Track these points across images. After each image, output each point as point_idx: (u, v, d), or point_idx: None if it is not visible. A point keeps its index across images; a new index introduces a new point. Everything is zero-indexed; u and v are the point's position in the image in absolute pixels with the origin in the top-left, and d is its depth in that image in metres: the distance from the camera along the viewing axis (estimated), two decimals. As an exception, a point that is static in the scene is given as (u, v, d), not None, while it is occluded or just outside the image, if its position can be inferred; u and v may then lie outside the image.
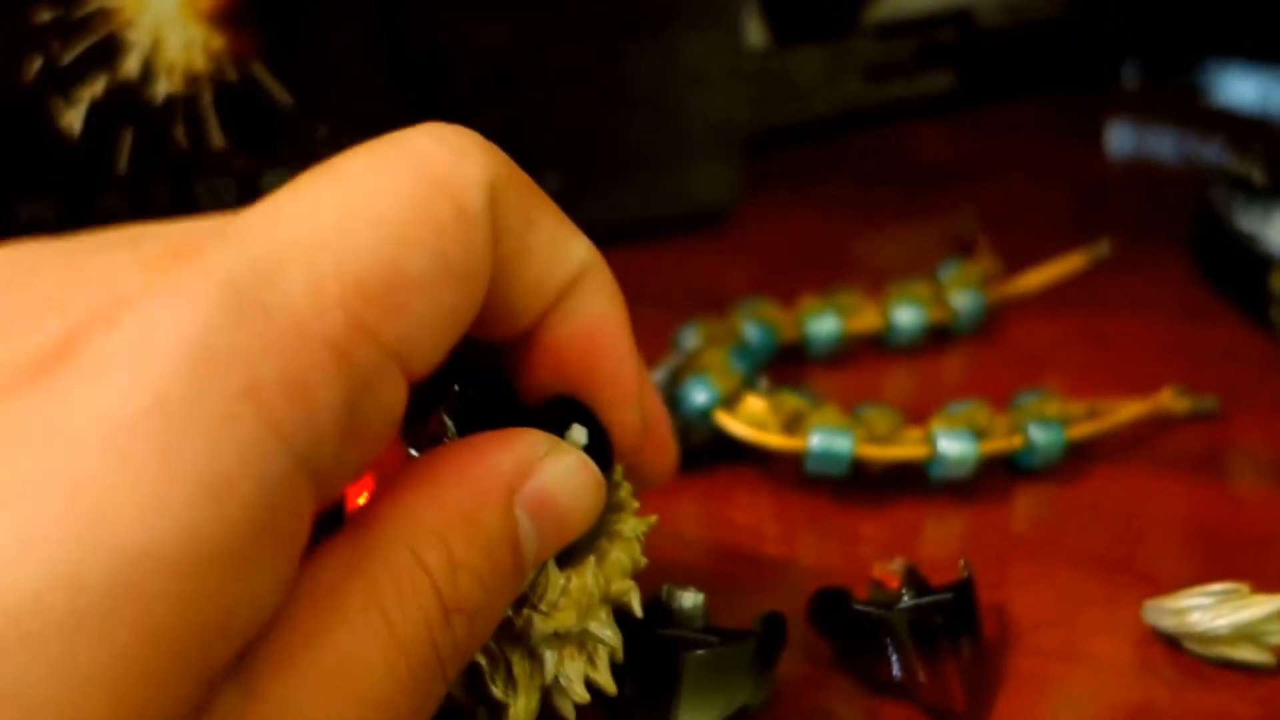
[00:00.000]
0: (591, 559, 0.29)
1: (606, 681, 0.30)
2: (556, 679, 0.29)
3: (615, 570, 0.30)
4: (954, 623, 0.35)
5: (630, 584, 0.30)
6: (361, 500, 0.27)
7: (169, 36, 0.44)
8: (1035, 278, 0.48)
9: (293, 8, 0.45)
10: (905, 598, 0.35)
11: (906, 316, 0.46)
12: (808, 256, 0.52)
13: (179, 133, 0.45)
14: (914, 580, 0.35)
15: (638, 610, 0.31)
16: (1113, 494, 0.41)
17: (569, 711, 0.29)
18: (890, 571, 0.35)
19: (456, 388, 0.29)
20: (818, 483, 0.41)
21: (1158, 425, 0.43)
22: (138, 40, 0.44)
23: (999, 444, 0.41)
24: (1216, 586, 0.35)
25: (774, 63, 0.57)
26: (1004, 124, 0.62)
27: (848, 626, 0.35)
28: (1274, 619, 0.35)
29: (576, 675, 0.29)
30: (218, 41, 0.44)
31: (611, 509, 0.30)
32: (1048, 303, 0.48)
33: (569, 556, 0.29)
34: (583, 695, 0.29)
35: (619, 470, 0.31)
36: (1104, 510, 0.40)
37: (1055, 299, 0.48)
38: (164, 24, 0.44)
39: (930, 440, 0.40)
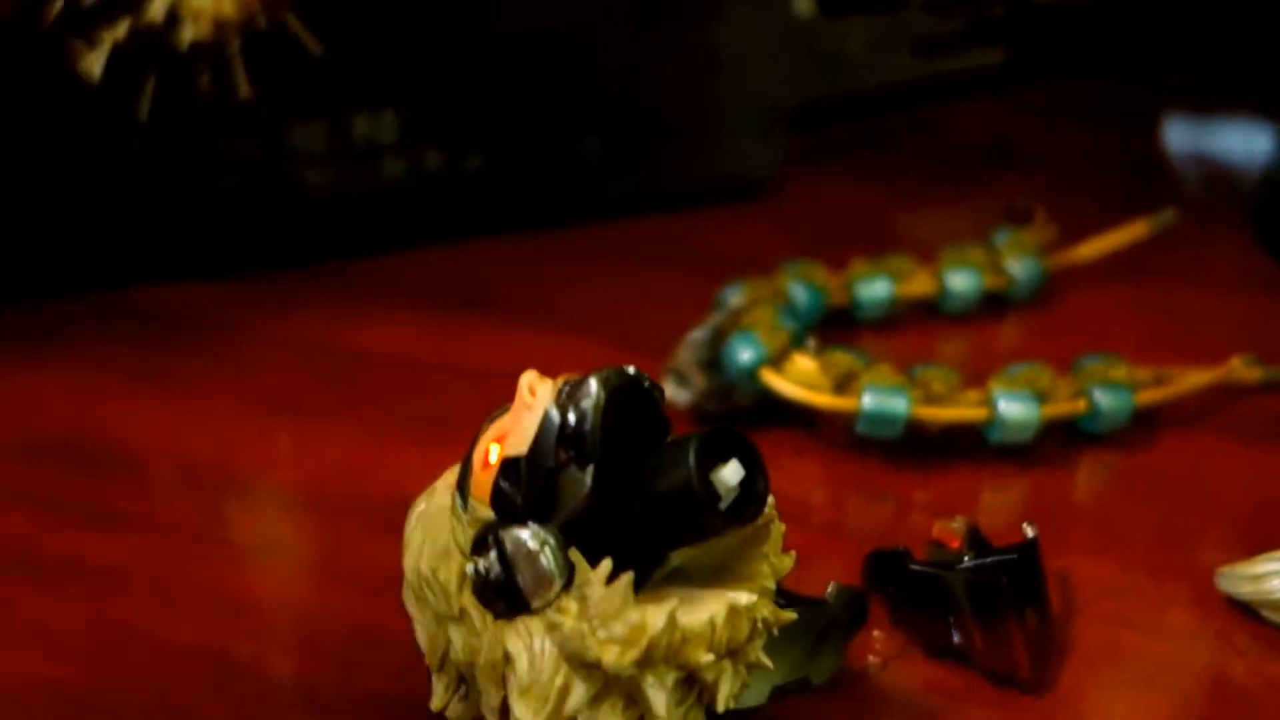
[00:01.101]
0: (676, 602, 0.26)
1: None
2: None
3: (698, 630, 0.26)
4: (1018, 585, 0.32)
5: (711, 662, 0.26)
6: None
7: (196, -19, 0.42)
8: (1096, 246, 0.46)
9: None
10: (966, 558, 0.33)
11: (961, 281, 0.44)
12: (851, 230, 0.50)
13: (204, 81, 0.43)
14: (976, 540, 0.33)
15: (719, 703, 0.27)
16: (1180, 463, 0.39)
17: None
18: (951, 531, 0.33)
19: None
20: (868, 447, 0.39)
21: (1226, 395, 0.41)
22: (163, -16, 0.42)
23: (1062, 408, 0.38)
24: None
25: (821, 34, 0.55)
26: (1056, 104, 0.60)
27: (906, 587, 0.33)
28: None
29: None
30: (244, -11, 0.43)
31: (744, 557, 0.27)
32: (1107, 273, 0.46)
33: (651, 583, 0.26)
34: None
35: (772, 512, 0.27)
36: (1172, 479, 0.38)
37: (1115, 269, 0.46)
38: (192, -33, 0.42)
39: (990, 402, 0.38)
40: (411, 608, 0.28)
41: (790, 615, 0.28)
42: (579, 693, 0.26)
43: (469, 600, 0.27)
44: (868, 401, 0.38)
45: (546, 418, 0.26)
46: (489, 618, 0.27)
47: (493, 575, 0.27)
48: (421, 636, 0.29)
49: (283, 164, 0.45)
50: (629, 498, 0.26)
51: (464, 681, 0.28)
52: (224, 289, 0.45)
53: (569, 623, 0.25)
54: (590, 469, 0.26)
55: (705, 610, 0.26)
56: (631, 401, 0.26)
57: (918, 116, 0.58)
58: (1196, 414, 0.40)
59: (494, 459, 0.27)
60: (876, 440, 0.38)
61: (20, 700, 0.30)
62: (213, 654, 0.32)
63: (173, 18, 0.42)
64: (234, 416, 0.40)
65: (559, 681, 0.26)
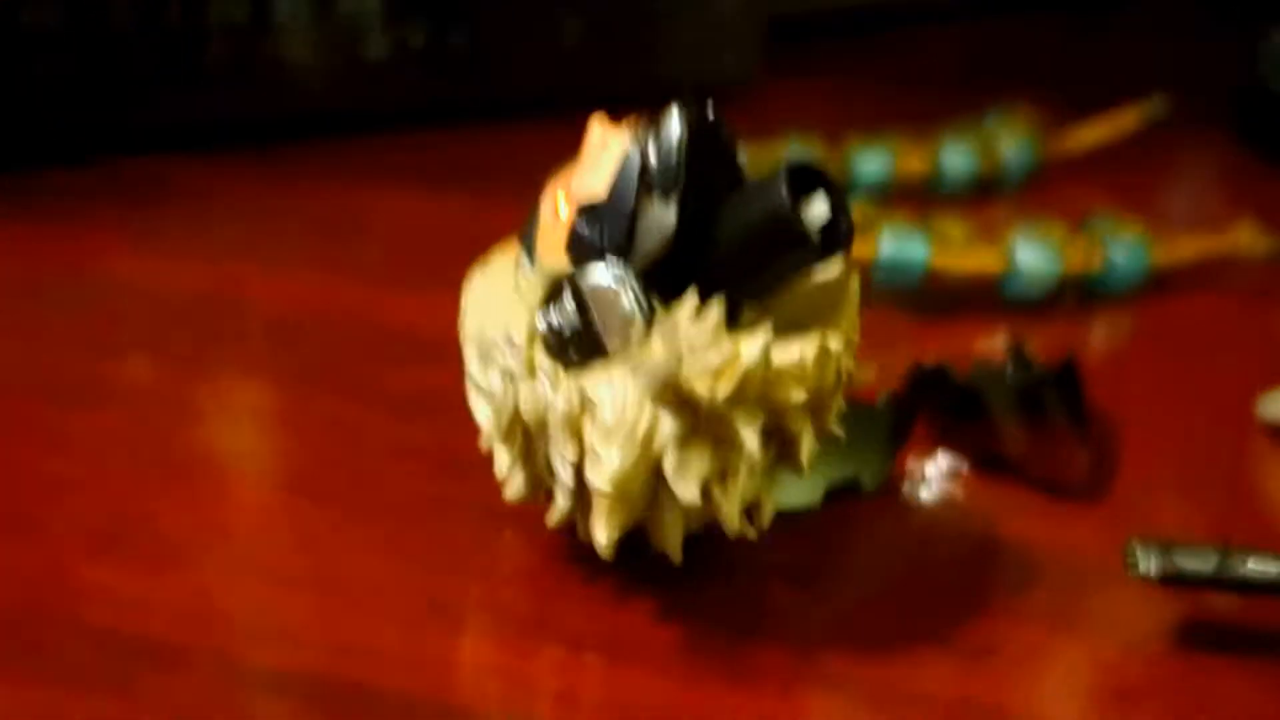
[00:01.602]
0: (769, 336, 0.24)
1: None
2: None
3: (790, 367, 0.25)
4: (1066, 395, 0.32)
5: (802, 403, 0.25)
6: None
7: None
8: (1087, 134, 0.46)
9: None
10: (1011, 370, 0.32)
11: (957, 160, 0.44)
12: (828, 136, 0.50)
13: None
14: (1020, 356, 0.33)
15: (802, 456, 0.26)
16: (1196, 321, 0.39)
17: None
18: (991, 346, 0.33)
19: None
20: (882, 299, 0.38)
21: (1230, 264, 0.41)
22: None
23: (1080, 261, 0.38)
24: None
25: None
26: (1033, 31, 0.60)
27: (951, 401, 0.32)
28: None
29: (690, 478, 0.25)
30: None
31: (823, 310, 0.26)
32: (1098, 164, 0.46)
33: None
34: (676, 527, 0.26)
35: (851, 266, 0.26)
36: (1190, 335, 0.38)
37: (1105, 161, 0.46)
38: None
39: (1008, 253, 0.37)
40: (475, 375, 0.27)
41: (869, 373, 0.27)
42: (667, 429, 0.24)
43: (540, 355, 0.26)
44: (886, 248, 0.37)
45: (627, 158, 0.25)
46: (561, 371, 0.25)
47: (567, 323, 0.25)
48: (483, 409, 0.27)
49: (267, 34, 0.44)
50: (711, 236, 0.25)
51: (529, 460, 0.27)
52: (209, 160, 0.43)
53: (658, 354, 0.24)
54: (674, 204, 0.25)
55: (796, 350, 0.25)
56: (710, 141, 0.25)
57: (899, 37, 0.58)
58: (1207, 278, 0.40)
59: (563, 212, 0.26)
60: (892, 291, 0.37)
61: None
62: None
63: None
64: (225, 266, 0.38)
65: (645, 420, 0.24)
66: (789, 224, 0.24)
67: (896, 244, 0.37)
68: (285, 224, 0.41)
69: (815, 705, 0.26)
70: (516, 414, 0.26)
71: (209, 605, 0.26)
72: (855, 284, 0.26)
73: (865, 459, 0.30)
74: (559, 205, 0.26)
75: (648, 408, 0.24)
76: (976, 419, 0.32)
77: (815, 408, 0.25)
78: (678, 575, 0.27)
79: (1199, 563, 0.26)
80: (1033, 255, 0.37)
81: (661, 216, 0.25)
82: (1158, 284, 0.39)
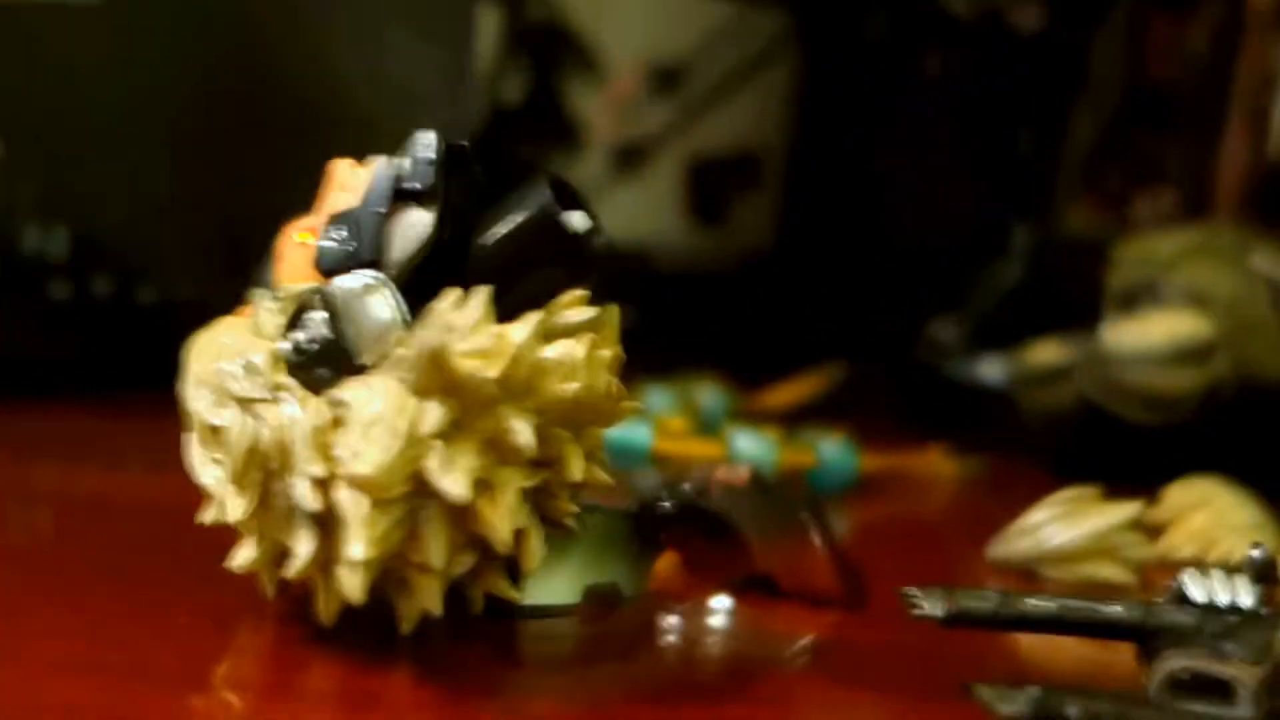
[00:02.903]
0: (536, 320, 0.23)
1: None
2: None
3: (559, 359, 0.23)
4: (817, 512, 0.31)
5: (572, 392, 0.23)
6: None
7: None
8: (781, 394, 0.47)
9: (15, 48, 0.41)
10: (755, 495, 0.31)
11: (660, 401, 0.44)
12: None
13: None
14: (761, 481, 0.32)
15: (573, 472, 0.24)
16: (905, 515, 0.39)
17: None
18: (736, 472, 0.32)
19: None
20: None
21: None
22: None
23: (794, 455, 0.38)
24: (1064, 493, 0.33)
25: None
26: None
27: (699, 523, 0.31)
28: (1125, 529, 0.33)
29: (458, 472, 0.23)
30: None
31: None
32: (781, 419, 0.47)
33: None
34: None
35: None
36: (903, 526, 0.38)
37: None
38: None
39: (728, 443, 0.38)
40: (205, 416, 0.24)
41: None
42: (434, 417, 0.22)
43: (285, 379, 0.24)
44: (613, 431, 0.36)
45: (379, 172, 0.24)
46: (308, 390, 0.23)
47: (318, 337, 0.24)
48: (210, 469, 0.24)
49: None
50: (468, 248, 0.24)
51: (265, 508, 0.24)
52: None
53: (423, 334, 0.22)
54: (433, 209, 0.24)
55: (566, 345, 0.24)
56: (462, 162, 0.25)
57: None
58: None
59: (303, 239, 0.25)
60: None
61: None
62: None
63: None
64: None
65: (409, 411, 0.22)
66: (555, 222, 0.24)
67: (623, 429, 0.36)
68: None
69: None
70: (255, 449, 0.23)
71: None
72: (613, 315, 0.25)
73: (624, 566, 0.29)
74: (295, 236, 0.25)
75: (411, 401, 0.22)
76: (724, 541, 0.30)
77: (586, 419, 0.24)
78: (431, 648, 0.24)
79: (981, 602, 0.25)
80: (750, 444, 0.37)
81: (418, 220, 0.24)
82: (864, 489, 0.40)
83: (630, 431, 0.36)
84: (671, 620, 0.29)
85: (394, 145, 0.47)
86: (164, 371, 0.42)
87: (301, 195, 0.27)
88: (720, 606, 0.29)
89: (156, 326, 0.44)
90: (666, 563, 0.30)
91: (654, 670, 0.26)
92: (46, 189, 0.42)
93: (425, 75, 0.49)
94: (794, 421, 0.43)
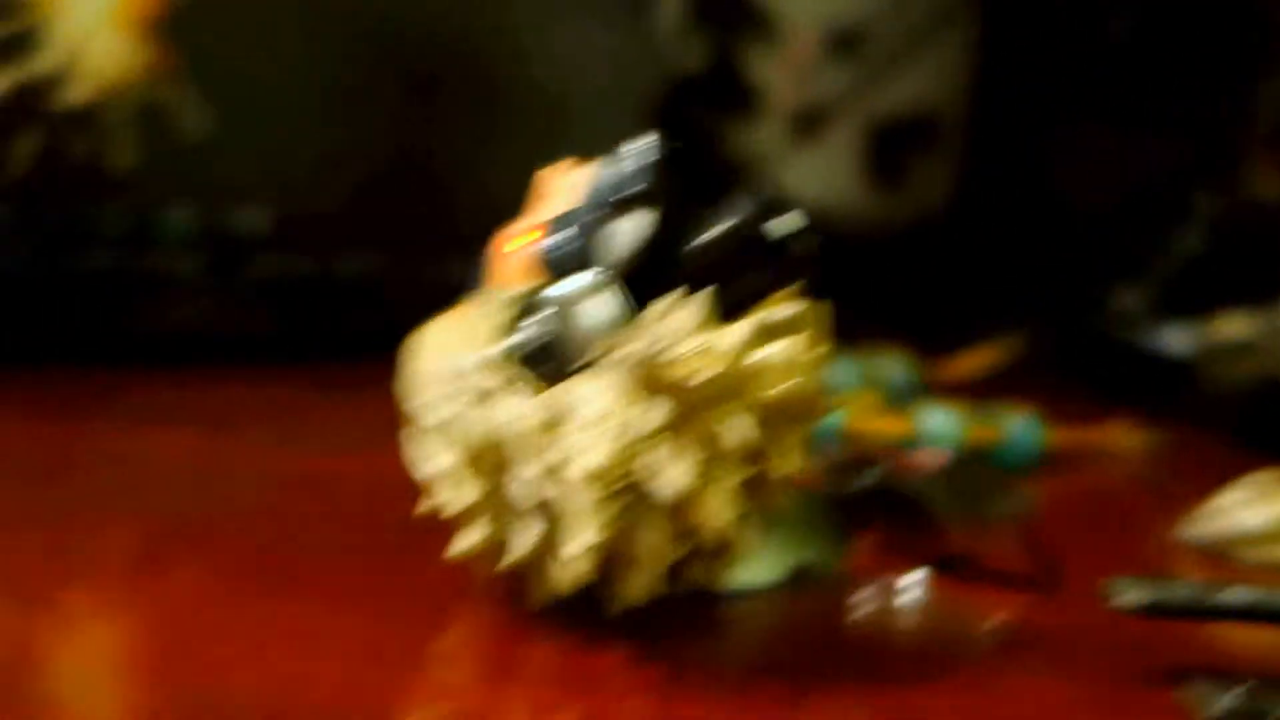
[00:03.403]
0: (753, 322, 0.24)
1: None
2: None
3: (774, 361, 0.24)
4: (1010, 498, 0.32)
5: (786, 391, 0.24)
6: None
7: (93, 40, 0.42)
8: (963, 364, 0.48)
9: (225, 26, 0.43)
10: (951, 478, 0.32)
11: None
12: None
13: (83, 146, 0.42)
14: (955, 465, 0.33)
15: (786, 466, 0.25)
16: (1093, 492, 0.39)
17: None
18: (929, 455, 0.33)
19: None
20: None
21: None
22: (57, 38, 0.41)
23: (981, 432, 0.39)
24: (1259, 474, 0.34)
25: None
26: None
27: (894, 507, 0.32)
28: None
29: (672, 472, 0.24)
30: (143, 54, 0.42)
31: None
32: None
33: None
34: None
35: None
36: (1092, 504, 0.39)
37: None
38: (90, 26, 0.41)
39: (916, 420, 0.38)
40: (429, 411, 0.26)
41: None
42: (653, 416, 0.24)
43: (510, 375, 0.25)
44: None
45: (601, 171, 0.26)
46: (538, 383, 0.25)
47: (546, 332, 0.25)
48: (440, 455, 0.26)
49: (151, 246, 0.43)
50: (681, 245, 0.25)
51: (492, 495, 0.25)
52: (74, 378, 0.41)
53: (639, 346, 0.24)
54: (652, 211, 0.25)
55: (776, 346, 0.25)
56: (680, 164, 0.26)
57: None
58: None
59: (518, 244, 0.26)
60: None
61: None
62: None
63: (61, 76, 0.41)
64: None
65: (625, 414, 0.24)
66: (759, 232, 0.25)
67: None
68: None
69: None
70: (480, 443, 0.25)
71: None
72: (826, 310, 0.26)
73: (824, 544, 0.30)
74: (516, 238, 0.26)
75: (628, 403, 0.24)
76: (918, 523, 0.31)
77: (797, 416, 0.25)
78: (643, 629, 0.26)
79: (1180, 592, 0.26)
80: (937, 421, 0.38)
81: (638, 222, 0.25)
82: (1050, 464, 0.40)
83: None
84: (869, 600, 0.29)
85: (579, 119, 0.48)
86: (366, 346, 0.45)
87: (494, 173, 0.28)
88: (915, 587, 0.30)
89: (357, 302, 0.46)
90: (863, 544, 0.31)
91: (854, 649, 0.27)
92: (254, 167, 0.44)
93: (608, 46, 0.50)
94: (977, 393, 0.44)
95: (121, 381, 0.41)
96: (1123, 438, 0.42)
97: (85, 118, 0.42)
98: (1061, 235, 0.61)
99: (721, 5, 0.62)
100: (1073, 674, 0.27)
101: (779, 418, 0.25)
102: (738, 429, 0.24)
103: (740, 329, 0.24)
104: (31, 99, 0.41)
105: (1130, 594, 0.26)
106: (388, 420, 0.28)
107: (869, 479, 0.31)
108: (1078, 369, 0.52)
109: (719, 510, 0.24)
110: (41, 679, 0.23)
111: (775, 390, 0.24)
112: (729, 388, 0.24)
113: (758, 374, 0.24)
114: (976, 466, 0.32)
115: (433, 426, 0.26)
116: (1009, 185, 0.64)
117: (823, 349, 0.25)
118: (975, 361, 0.48)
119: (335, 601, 0.27)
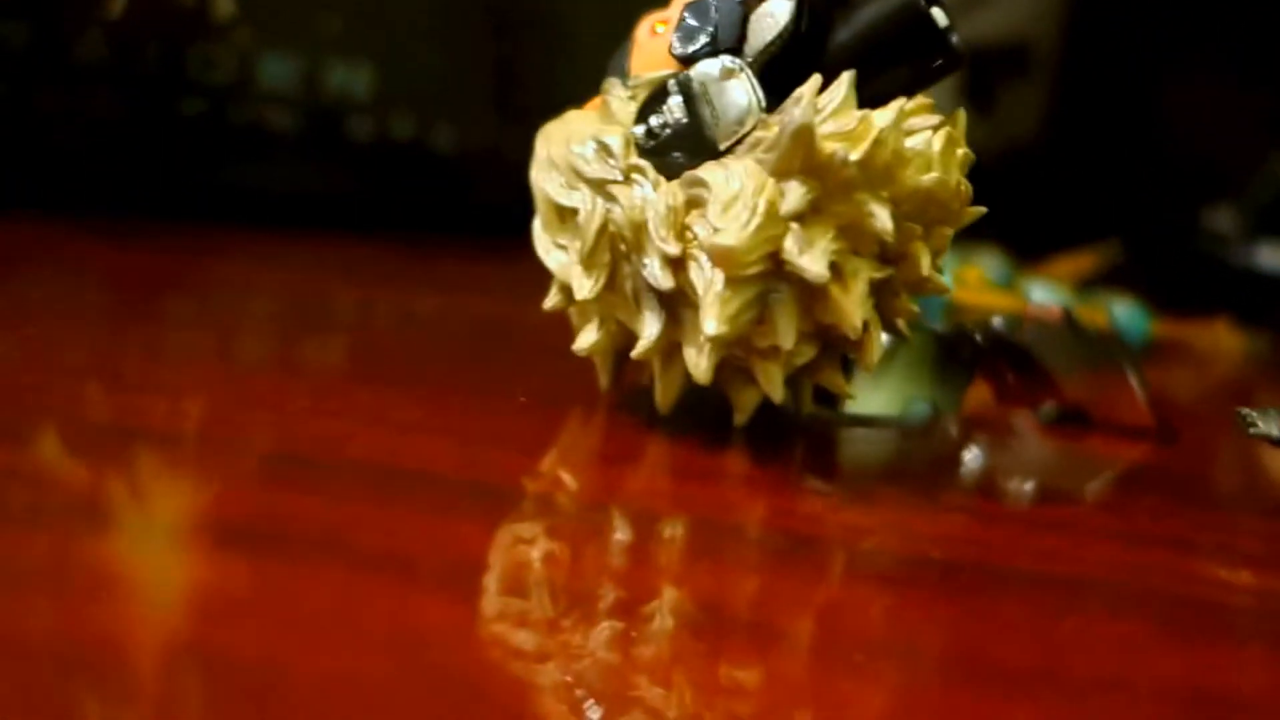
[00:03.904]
0: (899, 106, 0.23)
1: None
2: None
3: (919, 151, 0.23)
4: (1125, 351, 0.31)
5: (933, 182, 0.23)
6: None
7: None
8: (1064, 266, 0.47)
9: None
10: (1066, 332, 0.31)
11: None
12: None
13: (184, -9, 0.41)
14: (1073, 321, 0.32)
15: (923, 268, 0.24)
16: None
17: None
18: (1046, 310, 0.32)
19: None
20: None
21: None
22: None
23: (1088, 314, 0.38)
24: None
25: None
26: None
27: (1010, 357, 0.31)
28: None
29: (817, 252, 0.23)
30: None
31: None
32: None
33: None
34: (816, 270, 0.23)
35: None
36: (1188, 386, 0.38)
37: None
38: None
39: (1024, 295, 0.37)
40: (555, 197, 0.25)
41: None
42: (793, 197, 0.23)
43: (639, 160, 0.24)
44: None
45: None
46: (667, 172, 0.24)
47: (673, 122, 0.24)
48: (557, 254, 0.25)
49: (247, 97, 0.43)
50: (825, 43, 0.24)
51: (612, 288, 0.25)
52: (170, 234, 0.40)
53: (793, 113, 0.23)
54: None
55: (923, 137, 0.24)
56: None
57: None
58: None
59: (660, 30, 0.25)
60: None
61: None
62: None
63: (167, -87, 0.41)
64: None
65: (769, 190, 0.23)
66: (918, 14, 0.24)
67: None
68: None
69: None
70: (606, 228, 0.24)
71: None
72: (964, 116, 0.25)
73: (940, 384, 0.29)
74: (653, 27, 0.26)
75: (769, 181, 0.23)
76: (1032, 374, 0.30)
77: (935, 216, 0.24)
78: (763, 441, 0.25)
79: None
80: (1046, 296, 0.37)
81: (776, 9, 0.24)
82: (1153, 354, 0.39)
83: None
84: (983, 441, 0.29)
85: None
86: (460, 218, 0.44)
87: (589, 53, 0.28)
88: (1032, 434, 0.29)
89: (453, 173, 0.46)
90: (979, 390, 0.30)
91: (964, 487, 0.27)
92: (351, 26, 0.44)
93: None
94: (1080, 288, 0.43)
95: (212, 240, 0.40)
96: (1225, 336, 0.41)
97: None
98: (1155, 159, 0.60)
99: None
100: (1194, 512, 0.26)
101: (918, 216, 0.24)
102: (881, 215, 0.23)
103: (888, 112, 0.23)
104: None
105: (1265, 423, 0.25)
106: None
107: (987, 327, 0.30)
108: (1172, 283, 0.51)
109: (856, 302, 0.23)
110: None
111: (918, 181, 0.23)
112: (872, 173, 0.23)
113: (902, 162, 0.23)
114: (1088, 326, 0.31)
115: (551, 215, 0.25)
116: (1104, 111, 0.63)
117: (965, 150, 0.24)
118: (1071, 266, 0.47)
119: (456, 394, 0.26)
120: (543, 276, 0.26)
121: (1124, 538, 0.23)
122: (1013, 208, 0.60)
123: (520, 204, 0.28)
